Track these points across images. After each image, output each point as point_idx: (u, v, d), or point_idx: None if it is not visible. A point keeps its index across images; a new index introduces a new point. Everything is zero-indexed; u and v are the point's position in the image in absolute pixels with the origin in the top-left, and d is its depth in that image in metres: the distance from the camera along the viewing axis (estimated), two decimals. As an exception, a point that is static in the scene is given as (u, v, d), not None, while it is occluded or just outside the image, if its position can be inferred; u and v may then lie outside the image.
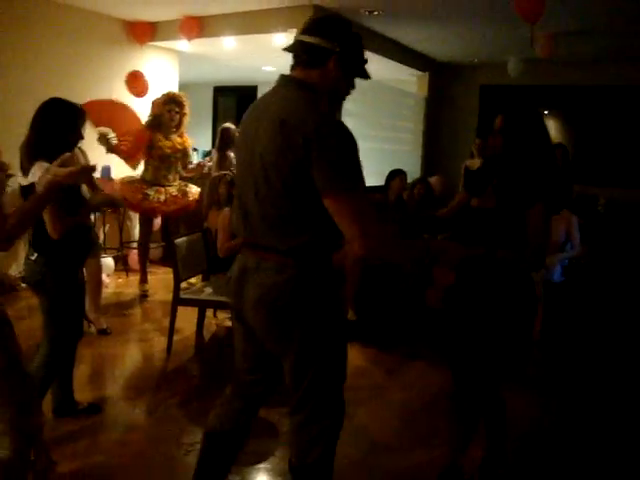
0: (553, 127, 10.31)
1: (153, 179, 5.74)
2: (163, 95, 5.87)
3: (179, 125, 5.81)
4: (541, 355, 4.74)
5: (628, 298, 5.63)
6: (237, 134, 6.49)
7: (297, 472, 2.10)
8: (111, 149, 5.52)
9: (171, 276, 4.38)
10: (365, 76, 2.08)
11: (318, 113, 1.85)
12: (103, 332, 4.66)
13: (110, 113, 5.66)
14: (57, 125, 2.91)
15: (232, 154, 6.57)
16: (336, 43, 1.95)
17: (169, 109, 5.71)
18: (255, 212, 1.97)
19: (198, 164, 6.38)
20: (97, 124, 5.40)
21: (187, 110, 5.87)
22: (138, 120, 5.85)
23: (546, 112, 10.10)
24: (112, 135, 5.51)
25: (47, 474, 2.66)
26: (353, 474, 2.89)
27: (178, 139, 5.81)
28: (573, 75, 8.26)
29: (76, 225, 2.92)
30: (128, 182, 5.77)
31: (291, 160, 1.83)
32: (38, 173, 2.69)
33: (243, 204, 2.03)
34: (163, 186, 5.74)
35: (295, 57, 2.01)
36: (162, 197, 5.67)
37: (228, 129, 6.56)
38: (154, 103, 5.93)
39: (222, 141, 6.50)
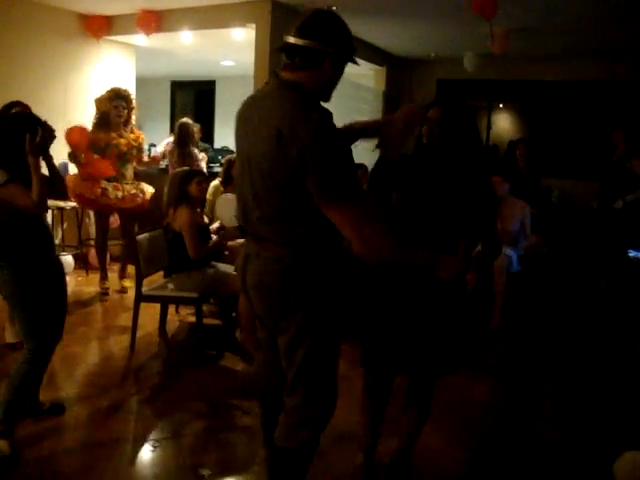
0: (508, 120, 10.55)
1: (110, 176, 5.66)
2: (107, 92, 5.75)
3: (127, 121, 5.75)
4: (500, 343, 4.89)
5: (580, 286, 5.84)
6: (196, 129, 6.42)
7: (279, 453, 2.16)
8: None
9: (131, 273, 4.36)
10: (356, 63, 2.14)
11: (313, 123, 1.85)
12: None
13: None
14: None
15: (195, 150, 6.55)
16: (330, 45, 1.97)
17: (115, 105, 5.63)
18: (252, 208, 2.05)
19: (153, 158, 6.31)
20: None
21: (134, 104, 5.83)
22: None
23: (501, 105, 10.33)
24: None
25: None
26: (319, 465, 2.95)
27: (132, 135, 5.76)
28: (527, 70, 8.45)
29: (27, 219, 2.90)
30: (83, 178, 5.62)
31: (286, 168, 1.88)
32: None
33: (242, 199, 2.11)
34: (120, 183, 5.68)
35: (288, 59, 2.00)
36: (120, 194, 5.62)
37: (187, 124, 6.51)
38: (98, 101, 5.77)
39: (181, 137, 6.44)
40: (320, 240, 2.04)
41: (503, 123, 10.45)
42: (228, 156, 6.02)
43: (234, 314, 4.48)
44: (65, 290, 3.14)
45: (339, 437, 3.15)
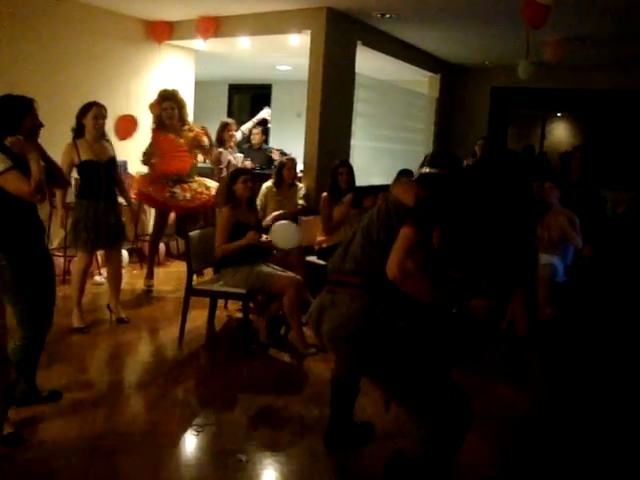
0: (563, 129, 10.42)
1: (175, 176, 5.82)
2: (157, 96, 5.93)
3: (182, 119, 5.88)
4: (539, 355, 4.86)
5: (629, 300, 5.72)
6: (229, 133, 6.41)
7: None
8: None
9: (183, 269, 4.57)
10: None
11: None
12: (121, 321, 4.84)
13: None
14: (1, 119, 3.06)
15: (221, 151, 6.40)
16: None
17: (164, 107, 5.78)
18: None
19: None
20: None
21: (183, 103, 5.93)
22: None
23: (559, 114, 10.21)
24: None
25: None
26: (352, 465, 3.05)
27: (190, 134, 5.87)
28: (583, 78, 8.34)
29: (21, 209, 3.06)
30: (152, 180, 5.85)
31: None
32: None
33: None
34: (186, 182, 5.84)
35: None
36: (188, 195, 5.77)
37: (221, 123, 6.59)
38: (151, 105, 5.95)
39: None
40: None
41: (558, 132, 10.33)
42: (280, 159, 6.20)
43: (280, 312, 4.62)
44: (54, 280, 3.30)
45: (376, 436, 3.23)
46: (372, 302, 2.37)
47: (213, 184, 6.09)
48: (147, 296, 5.77)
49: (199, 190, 5.88)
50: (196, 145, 5.90)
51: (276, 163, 6.20)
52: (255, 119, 7.02)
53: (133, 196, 5.78)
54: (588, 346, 5.03)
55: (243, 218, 4.54)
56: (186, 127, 5.91)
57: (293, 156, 6.16)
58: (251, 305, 5.05)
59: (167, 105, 5.80)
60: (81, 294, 4.71)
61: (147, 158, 5.85)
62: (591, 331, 5.29)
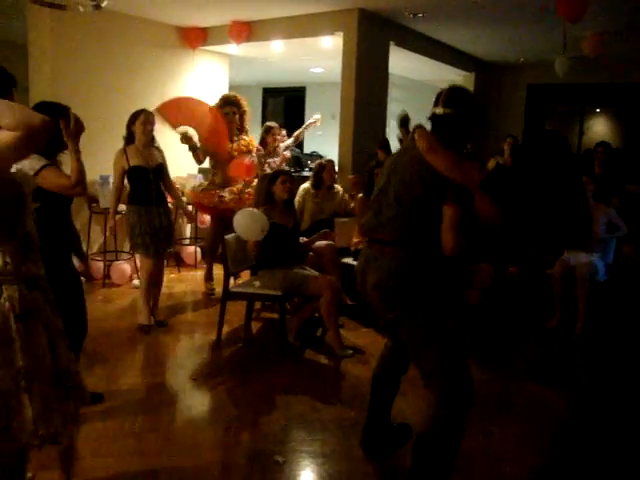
0: (603, 125, 10.21)
1: (223, 182, 5.80)
2: (219, 100, 5.97)
3: (241, 125, 5.90)
4: (581, 354, 4.78)
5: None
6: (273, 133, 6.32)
7: (417, 440, 2.56)
8: (194, 147, 5.62)
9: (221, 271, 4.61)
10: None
11: None
12: (161, 324, 4.91)
13: (184, 111, 5.73)
14: None
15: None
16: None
17: (227, 112, 5.79)
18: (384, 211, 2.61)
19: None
20: (174, 125, 5.54)
21: (246, 108, 5.95)
22: (208, 107, 5.89)
23: (597, 110, 10.01)
24: (191, 133, 5.63)
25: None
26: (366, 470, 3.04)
27: (244, 140, 5.87)
28: (621, 73, 8.17)
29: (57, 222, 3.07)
30: (202, 190, 5.87)
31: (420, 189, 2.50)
32: (27, 162, 2.80)
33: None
34: (233, 187, 5.79)
35: None
36: (236, 197, 5.74)
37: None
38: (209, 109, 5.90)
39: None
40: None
41: (598, 128, 10.12)
42: (319, 160, 6.18)
43: (317, 314, 4.63)
44: (81, 290, 3.25)
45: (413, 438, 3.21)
46: (409, 258, 2.50)
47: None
48: (209, 299, 5.78)
49: (247, 190, 5.83)
50: (246, 152, 5.86)
51: (313, 165, 6.17)
52: (305, 125, 6.91)
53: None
54: (628, 346, 4.92)
55: (279, 219, 4.56)
56: (242, 133, 5.89)
57: (329, 158, 6.14)
58: (287, 307, 5.07)
59: (230, 110, 5.82)
60: (149, 295, 4.80)
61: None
62: (631, 331, 5.17)
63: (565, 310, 5.14)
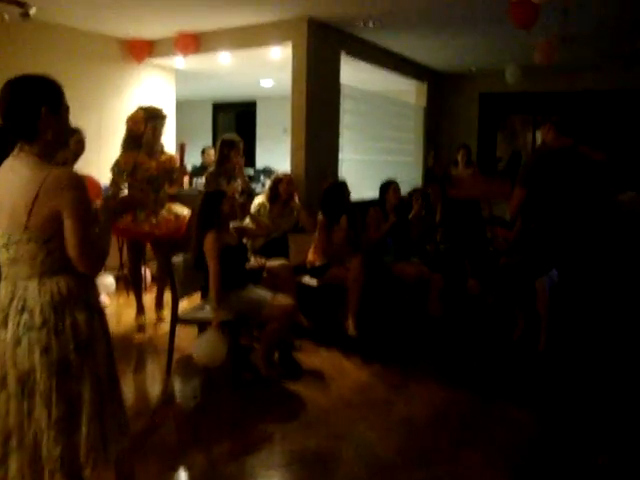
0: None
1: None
2: (141, 110, 5.18)
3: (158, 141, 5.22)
4: (547, 367, 4.65)
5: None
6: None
7: None
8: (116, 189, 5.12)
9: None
10: None
11: None
12: None
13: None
14: None
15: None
16: None
17: (153, 126, 5.11)
18: None
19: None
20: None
21: (165, 123, 5.30)
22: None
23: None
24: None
25: None
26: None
27: (163, 157, 5.22)
28: (574, 81, 8.22)
29: None
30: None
31: None
32: None
33: None
34: (154, 210, 5.18)
35: None
36: (153, 220, 5.15)
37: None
38: (132, 120, 5.15)
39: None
40: None
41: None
42: (275, 174, 5.81)
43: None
44: None
45: (378, 463, 3.01)
46: None
47: (185, 211, 5.44)
48: (139, 334, 5.23)
49: (167, 217, 5.24)
50: (169, 170, 5.21)
51: (271, 178, 5.78)
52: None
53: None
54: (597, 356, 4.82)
55: (229, 240, 4.30)
56: (158, 148, 5.23)
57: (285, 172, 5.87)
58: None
59: (158, 124, 5.15)
60: None
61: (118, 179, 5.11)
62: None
63: (527, 321, 5.03)
